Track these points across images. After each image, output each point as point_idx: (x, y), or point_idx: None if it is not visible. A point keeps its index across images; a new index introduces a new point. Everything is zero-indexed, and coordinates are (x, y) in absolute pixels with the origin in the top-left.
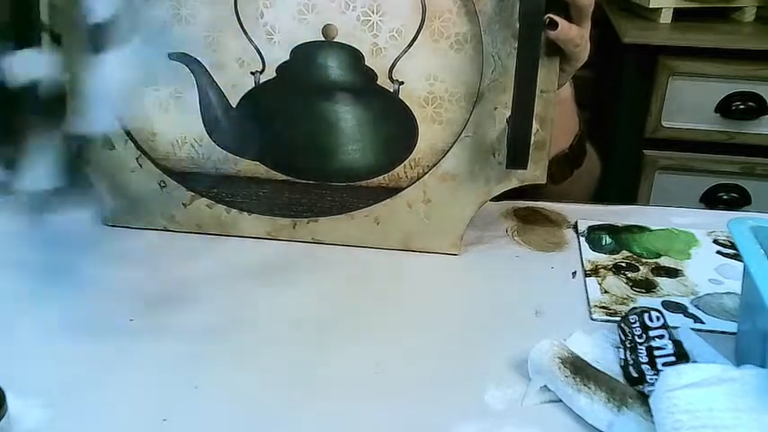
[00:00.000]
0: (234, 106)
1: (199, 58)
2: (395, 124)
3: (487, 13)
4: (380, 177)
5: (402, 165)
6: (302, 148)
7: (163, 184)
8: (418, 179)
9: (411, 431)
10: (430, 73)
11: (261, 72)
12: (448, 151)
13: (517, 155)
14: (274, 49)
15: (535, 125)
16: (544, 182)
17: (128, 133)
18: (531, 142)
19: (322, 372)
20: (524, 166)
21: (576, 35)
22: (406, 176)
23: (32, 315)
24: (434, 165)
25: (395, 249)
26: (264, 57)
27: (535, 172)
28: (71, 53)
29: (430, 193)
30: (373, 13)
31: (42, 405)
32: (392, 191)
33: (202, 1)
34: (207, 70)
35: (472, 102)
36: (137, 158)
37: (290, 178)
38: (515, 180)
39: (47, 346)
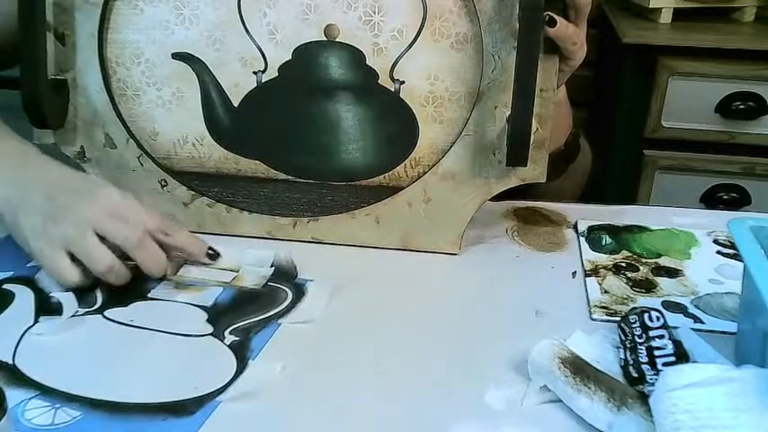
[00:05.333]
0: (236, 105)
1: (201, 58)
2: (396, 123)
3: (487, 12)
4: (381, 176)
5: (403, 164)
6: (303, 147)
7: (164, 183)
8: (419, 178)
9: (411, 431)
10: (431, 72)
11: (263, 71)
12: (448, 150)
13: (517, 153)
14: (277, 49)
15: (535, 124)
16: (544, 180)
17: (129, 132)
18: (531, 141)
19: (322, 371)
20: (524, 164)
21: (573, 33)
22: (407, 175)
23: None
24: (435, 164)
25: (395, 249)
26: (267, 56)
27: (535, 170)
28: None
29: (430, 192)
30: (375, 13)
31: (44, 404)
32: (393, 190)
33: (205, 1)
34: (209, 69)
35: (472, 101)
36: (138, 157)
37: (290, 177)
38: (515, 179)
39: (48, 345)
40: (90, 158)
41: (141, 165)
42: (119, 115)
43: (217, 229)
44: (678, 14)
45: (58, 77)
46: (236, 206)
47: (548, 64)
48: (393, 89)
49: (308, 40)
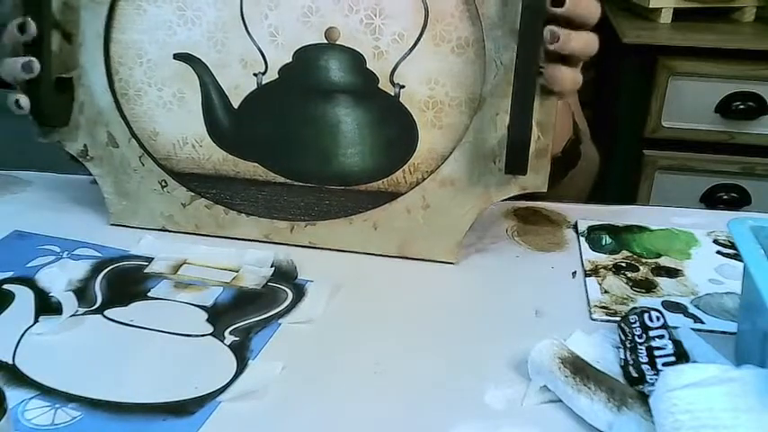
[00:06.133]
0: (236, 107)
1: (203, 59)
2: (395, 128)
3: (490, 17)
4: (379, 182)
5: (401, 169)
6: (302, 150)
7: (164, 184)
8: (417, 184)
9: (411, 431)
10: (431, 77)
11: (263, 73)
12: (448, 156)
13: (516, 160)
14: (277, 51)
15: (536, 132)
16: (545, 190)
17: (131, 132)
18: (533, 149)
19: (322, 371)
20: (523, 172)
21: (575, 78)
22: (405, 181)
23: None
24: (434, 170)
25: (392, 256)
26: (267, 58)
27: (536, 179)
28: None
29: (429, 198)
30: (376, 16)
31: (44, 404)
32: (391, 195)
33: (208, 2)
34: (210, 70)
35: (473, 107)
36: (139, 157)
37: (288, 181)
38: (516, 187)
39: (48, 345)
40: (93, 157)
41: (142, 164)
42: (121, 115)
43: (215, 231)
44: (678, 14)
45: (64, 76)
46: (234, 208)
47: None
48: (393, 93)
49: (309, 43)
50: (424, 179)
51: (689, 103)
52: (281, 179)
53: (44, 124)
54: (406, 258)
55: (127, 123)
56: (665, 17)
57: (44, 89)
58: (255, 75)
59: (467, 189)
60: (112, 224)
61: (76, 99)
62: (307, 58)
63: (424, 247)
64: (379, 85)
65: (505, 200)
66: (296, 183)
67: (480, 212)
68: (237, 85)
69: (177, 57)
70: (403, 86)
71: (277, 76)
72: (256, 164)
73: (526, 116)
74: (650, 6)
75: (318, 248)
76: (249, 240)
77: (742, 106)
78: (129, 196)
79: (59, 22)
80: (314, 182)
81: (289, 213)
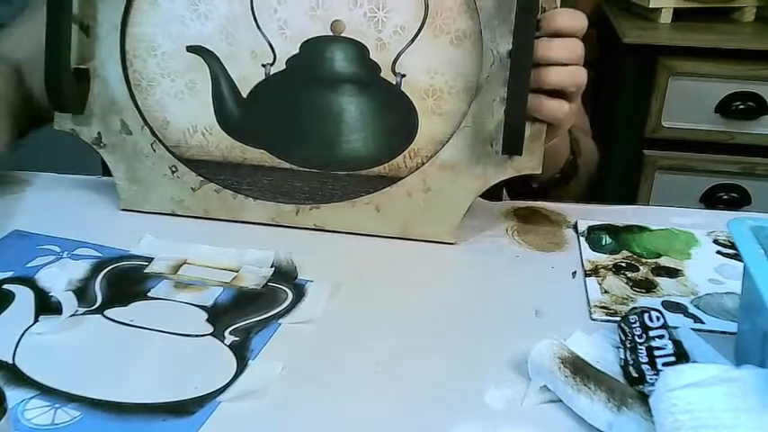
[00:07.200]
0: (244, 97)
1: (214, 51)
2: (396, 115)
3: (487, 9)
4: (380, 167)
5: (402, 155)
6: (307, 137)
7: (174, 170)
8: (417, 168)
9: (411, 431)
10: (431, 66)
11: (271, 64)
12: (447, 142)
13: (512, 142)
14: (285, 43)
15: (531, 116)
16: (540, 172)
17: (144, 120)
18: (528, 133)
19: (322, 371)
20: (519, 153)
21: (570, 113)
22: (406, 166)
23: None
24: (434, 155)
25: (394, 237)
26: (276, 50)
27: (531, 162)
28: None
29: (429, 182)
30: (379, 9)
31: (44, 404)
32: (391, 180)
33: None
34: (221, 62)
35: (471, 94)
36: (151, 144)
37: (293, 166)
38: (512, 170)
39: (48, 345)
40: (106, 144)
41: (154, 151)
42: (135, 104)
43: (224, 215)
44: (678, 14)
45: (81, 67)
46: (242, 193)
47: None
48: (394, 82)
49: (315, 35)
50: (423, 163)
51: (689, 103)
52: (287, 165)
53: (59, 110)
54: (409, 246)
55: (140, 112)
56: (665, 17)
57: (61, 77)
58: (264, 66)
59: (465, 172)
60: (123, 209)
61: (92, 89)
62: (313, 49)
63: (424, 229)
64: (382, 75)
65: (505, 200)
66: (301, 168)
67: (477, 194)
68: (246, 76)
69: (190, 49)
70: (404, 76)
71: (284, 66)
72: (263, 151)
73: (521, 101)
74: (650, 6)
75: (323, 232)
76: (257, 224)
77: (742, 106)
78: (141, 182)
79: (78, 15)
80: (318, 167)
81: (293, 198)
